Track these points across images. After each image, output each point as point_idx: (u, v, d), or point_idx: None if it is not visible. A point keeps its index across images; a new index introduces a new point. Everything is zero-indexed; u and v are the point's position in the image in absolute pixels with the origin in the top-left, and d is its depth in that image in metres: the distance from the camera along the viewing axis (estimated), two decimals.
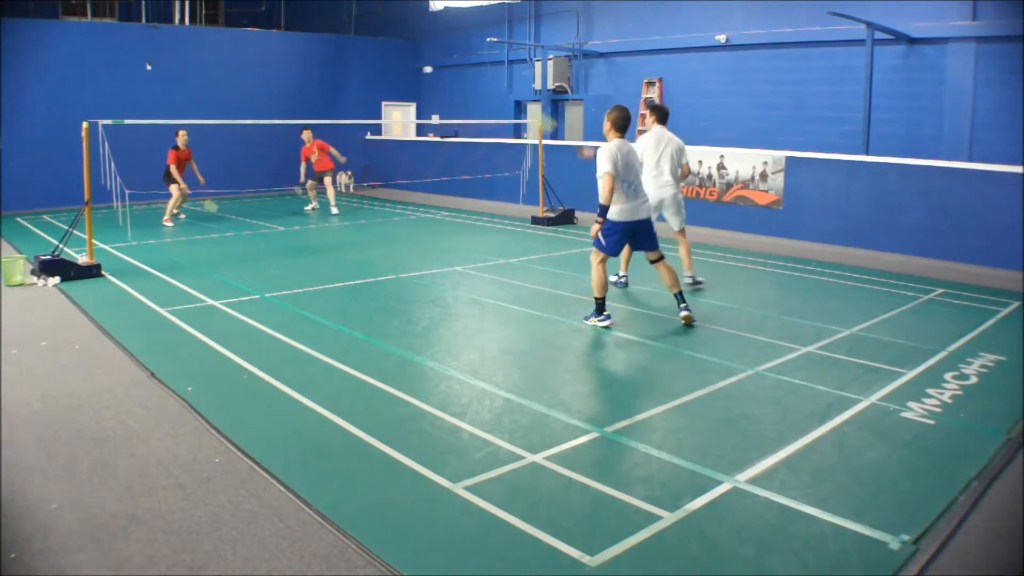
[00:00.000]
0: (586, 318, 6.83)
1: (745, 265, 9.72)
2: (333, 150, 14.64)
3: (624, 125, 6.51)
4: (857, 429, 4.56)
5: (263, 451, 4.18)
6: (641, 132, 8.89)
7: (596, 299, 6.71)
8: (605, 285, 6.68)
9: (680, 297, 6.79)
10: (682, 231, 8.36)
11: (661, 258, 6.82)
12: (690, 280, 8.22)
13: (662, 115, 8.04)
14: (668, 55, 15.64)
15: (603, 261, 6.67)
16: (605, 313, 6.70)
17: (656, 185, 7.90)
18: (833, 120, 12.93)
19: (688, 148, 8.22)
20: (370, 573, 3.09)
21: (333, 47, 20.07)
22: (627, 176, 6.42)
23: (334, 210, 14.64)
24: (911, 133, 12.15)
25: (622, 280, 8.39)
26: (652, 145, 7.92)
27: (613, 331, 6.60)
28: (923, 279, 8.88)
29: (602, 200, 6.36)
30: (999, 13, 11.12)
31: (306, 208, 15.28)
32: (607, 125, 6.55)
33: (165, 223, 13.15)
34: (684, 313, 6.71)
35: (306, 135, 14.57)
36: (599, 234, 6.55)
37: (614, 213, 6.48)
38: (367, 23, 21.76)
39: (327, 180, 14.71)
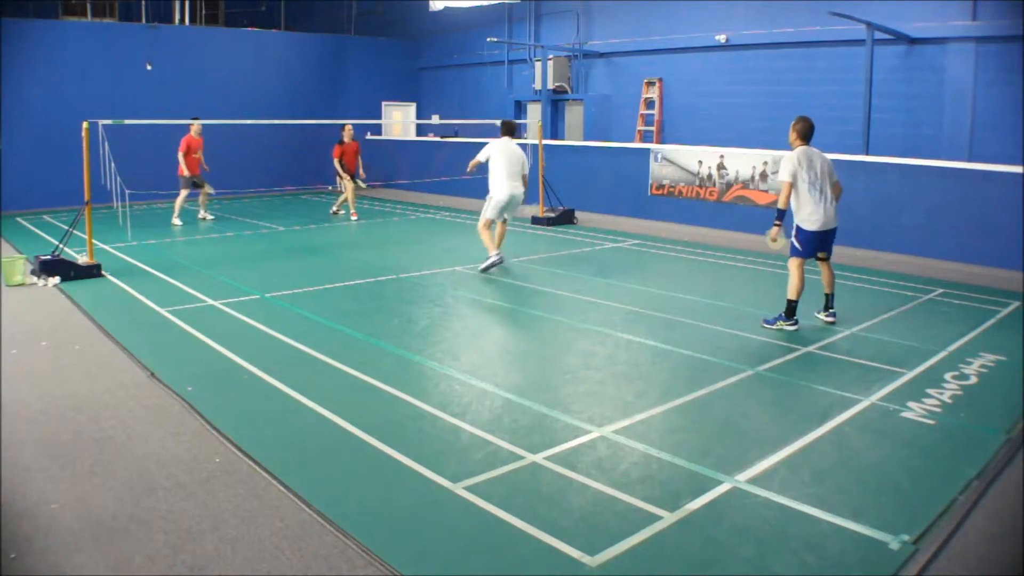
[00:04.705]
0: (770, 322, 6.70)
1: (745, 265, 9.72)
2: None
3: (808, 134, 6.66)
4: (857, 429, 4.56)
5: (263, 451, 4.18)
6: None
7: (789, 302, 6.64)
8: (799, 287, 6.63)
9: (829, 300, 6.87)
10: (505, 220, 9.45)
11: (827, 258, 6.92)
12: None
13: (508, 129, 9.39)
14: (668, 55, 15.63)
15: (801, 264, 6.70)
16: (795, 317, 6.61)
17: (511, 186, 9.02)
18: (833, 120, 12.89)
19: (688, 148, 8.28)
20: (370, 573, 3.09)
21: (333, 47, 20.07)
22: (812, 180, 6.57)
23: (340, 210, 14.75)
24: (911, 133, 12.14)
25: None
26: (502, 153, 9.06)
27: (613, 331, 6.60)
28: (923, 279, 8.89)
29: (780, 204, 6.61)
30: (999, 13, 11.12)
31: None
32: (793, 135, 6.69)
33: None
34: (829, 319, 6.84)
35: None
36: (792, 240, 6.68)
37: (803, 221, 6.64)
38: (367, 23, 21.76)
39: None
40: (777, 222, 6.58)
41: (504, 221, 9.43)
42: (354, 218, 14.04)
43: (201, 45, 17.71)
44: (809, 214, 6.57)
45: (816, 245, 6.70)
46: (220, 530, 3.40)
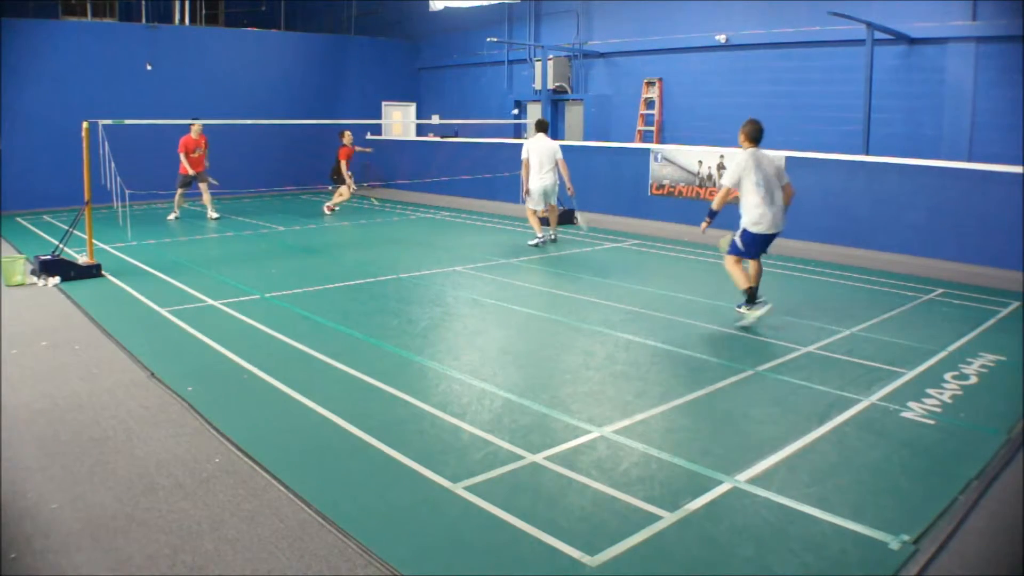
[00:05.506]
0: (739, 305, 6.79)
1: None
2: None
3: (758, 137, 6.67)
4: (857, 429, 4.56)
5: (263, 451, 4.18)
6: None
7: (744, 292, 6.74)
8: (746, 278, 6.73)
9: (755, 291, 6.80)
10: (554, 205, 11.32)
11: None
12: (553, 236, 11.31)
13: (541, 127, 10.99)
14: (668, 55, 15.63)
15: (738, 261, 6.76)
16: (760, 299, 6.69)
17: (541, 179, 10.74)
18: (833, 120, 12.92)
19: (688, 148, 8.30)
20: (370, 573, 3.09)
21: (333, 47, 20.07)
22: (760, 183, 6.55)
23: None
24: (911, 133, 12.14)
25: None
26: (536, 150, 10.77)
27: (613, 331, 6.60)
28: (923, 279, 8.89)
29: (713, 206, 6.78)
30: (999, 13, 11.12)
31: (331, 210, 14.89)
32: (741, 137, 6.73)
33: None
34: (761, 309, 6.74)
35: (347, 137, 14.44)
36: (735, 238, 6.68)
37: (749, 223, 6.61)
38: (367, 23, 21.76)
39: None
40: (707, 219, 6.82)
41: (552, 206, 11.19)
42: (332, 212, 14.75)
43: (201, 45, 17.71)
44: (758, 217, 6.56)
45: (760, 248, 6.72)
46: (220, 530, 3.40)
